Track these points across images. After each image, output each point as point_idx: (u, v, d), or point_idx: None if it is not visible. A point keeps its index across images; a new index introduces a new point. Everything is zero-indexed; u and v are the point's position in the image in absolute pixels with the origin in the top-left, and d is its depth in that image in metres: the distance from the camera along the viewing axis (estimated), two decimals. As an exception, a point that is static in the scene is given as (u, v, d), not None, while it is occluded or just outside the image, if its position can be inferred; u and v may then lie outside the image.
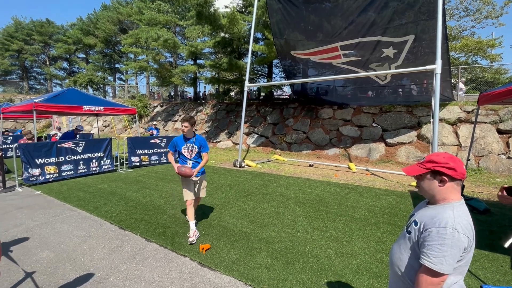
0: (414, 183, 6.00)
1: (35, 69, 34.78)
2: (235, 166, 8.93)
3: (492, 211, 4.55)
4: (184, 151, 3.57)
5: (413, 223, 1.24)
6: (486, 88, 12.16)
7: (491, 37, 15.84)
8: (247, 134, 14.09)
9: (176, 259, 3.02)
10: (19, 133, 13.22)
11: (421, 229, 1.17)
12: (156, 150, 9.23)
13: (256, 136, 13.71)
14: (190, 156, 3.59)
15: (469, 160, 5.29)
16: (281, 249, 3.20)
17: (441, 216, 1.13)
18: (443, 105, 9.56)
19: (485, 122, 8.67)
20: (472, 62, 15.98)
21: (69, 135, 8.53)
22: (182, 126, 3.53)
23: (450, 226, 1.08)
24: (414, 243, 1.20)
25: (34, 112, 6.95)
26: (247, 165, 9.02)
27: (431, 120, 6.04)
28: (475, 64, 15.80)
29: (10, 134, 12.93)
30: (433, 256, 1.08)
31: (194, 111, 18.41)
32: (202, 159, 3.66)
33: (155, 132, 12.02)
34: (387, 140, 9.93)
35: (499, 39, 15.12)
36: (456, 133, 8.92)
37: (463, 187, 5.12)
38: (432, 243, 1.09)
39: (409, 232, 1.25)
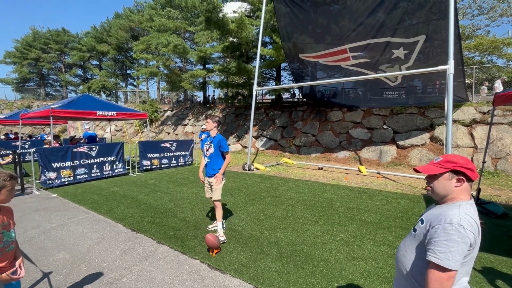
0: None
1: (51, 76, 36.12)
2: (244, 169, 8.96)
3: (510, 215, 4.38)
4: (204, 147, 3.67)
5: (420, 222, 1.27)
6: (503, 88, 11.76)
7: (507, 35, 15.34)
8: (256, 138, 14.13)
9: (187, 261, 3.06)
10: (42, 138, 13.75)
11: (427, 227, 1.18)
12: (166, 154, 9.38)
13: (265, 139, 13.73)
14: (206, 154, 3.66)
15: (485, 162, 5.12)
16: (291, 253, 3.18)
17: (446, 213, 1.14)
18: (457, 106, 9.31)
19: (502, 123, 8.39)
20: (487, 61, 15.50)
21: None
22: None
23: (456, 222, 1.09)
24: (419, 241, 1.22)
25: (51, 118, 7.22)
26: (256, 168, 9.03)
27: (445, 121, 5.90)
28: (490, 64, 15.31)
29: (33, 139, 13.47)
30: (440, 252, 1.08)
31: (204, 115, 18.62)
32: (220, 160, 3.65)
33: (205, 136, 11.57)
34: (398, 142, 9.73)
35: (515, 37, 14.63)
36: (472, 135, 8.66)
37: (479, 190, 4.95)
38: (438, 239, 1.10)
39: (415, 230, 1.27)
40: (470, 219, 1.11)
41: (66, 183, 6.92)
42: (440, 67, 6.05)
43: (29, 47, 31.63)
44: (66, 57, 34.39)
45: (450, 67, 5.82)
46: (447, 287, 1.08)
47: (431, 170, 1.27)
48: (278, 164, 10.08)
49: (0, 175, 1.60)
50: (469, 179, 1.19)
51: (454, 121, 8.97)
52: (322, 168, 9.08)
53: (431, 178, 1.29)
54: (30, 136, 15.55)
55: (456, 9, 6.22)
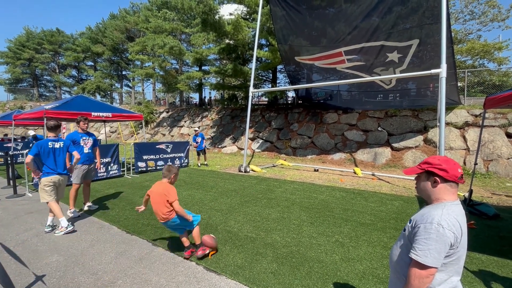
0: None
1: (45, 77, 35.76)
2: (240, 171, 8.96)
3: (501, 216, 4.46)
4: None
5: (409, 221, 1.31)
6: (494, 91, 12.00)
7: (498, 39, 15.67)
8: (252, 139, 14.15)
9: (182, 263, 3.04)
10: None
11: (413, 226, 1.24)
12: (162, 156, 9.33)
13: (261, 141, 13.75)
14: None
15: (476, 164, 5.21)
16: (287, 254, 3.19)
17: (430, 213, 1.19)
18: (450, 109, 9.47)
19: (493, 126, 8.55)
20: (479, 65, 15.81)
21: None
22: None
23: (436, 222, 1.13)
24: (407, 240, 1.27)
25: (45, 119, 7.12)
26: (252, 170, 9.04)
27: (438, 124, 6.00)
28: (482, 67, 15.62)
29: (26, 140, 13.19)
30: (419, 249, 1.13)
31: (200, 117, 18.59)
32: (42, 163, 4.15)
33: (199, 139, 10.18)
34: (393, 144, 9.85)
35: (506, 42, 14.95)
36: (464, 137, 8.81)
37: (471, 192, 5.04)
38: (419, 238, 1.16)
39: (404, 230, 1.33)
40: (452, 219, 1.14)
41: (59, 185, 6.81)
42: (433, 71, 6.15)
43: (22, 47, 31.28)
44: (60, 57, 34.09)
45: (442, 70, 5.92)
46: (427, 283, 1.13)
47: (410, 171, 1.34)
48: (274, 166, 10.10)
49: (171, 168, 3.02)
50: (445, 180, 1.21)
51: (447, 124, 9.12)
52: (317, 170, 9.13)
53: (417, 179, 1.34)
54: (23, 138, 15.32)
55: (448, 14, 6.34)
